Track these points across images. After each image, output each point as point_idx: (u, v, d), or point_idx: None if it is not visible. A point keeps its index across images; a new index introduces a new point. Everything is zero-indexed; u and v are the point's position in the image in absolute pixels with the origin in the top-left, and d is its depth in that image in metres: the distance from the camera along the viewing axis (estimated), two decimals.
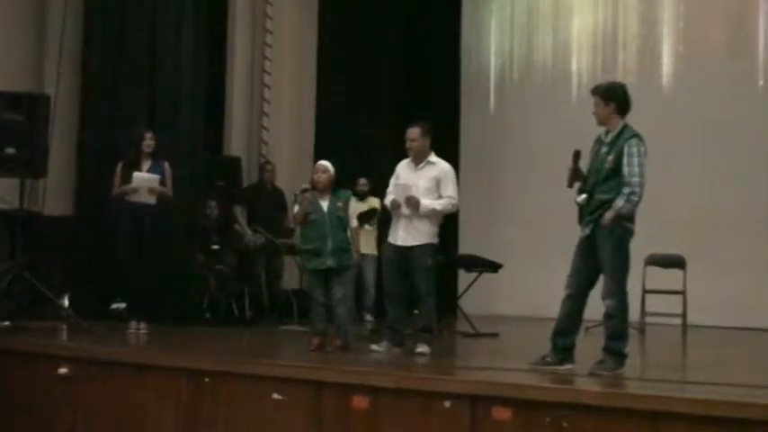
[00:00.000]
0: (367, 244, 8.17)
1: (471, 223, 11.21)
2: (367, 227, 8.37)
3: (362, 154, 10.17)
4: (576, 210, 5.51)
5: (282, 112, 10.98)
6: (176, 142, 8.73)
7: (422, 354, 6.31)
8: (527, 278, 10.49)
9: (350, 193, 6.84)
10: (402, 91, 11.68)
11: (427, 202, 6.33)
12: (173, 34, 8.97)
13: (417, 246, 6.37)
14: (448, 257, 8.97)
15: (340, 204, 6.58)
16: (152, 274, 7.95)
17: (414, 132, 6.44)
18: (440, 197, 6.39)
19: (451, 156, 11.15)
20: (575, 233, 5.65)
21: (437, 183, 6.41)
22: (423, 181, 6.40)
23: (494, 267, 8.85)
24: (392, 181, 6.62)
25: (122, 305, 8.52)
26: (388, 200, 6.57)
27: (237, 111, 10.79)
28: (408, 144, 6.47)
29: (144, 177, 7.71)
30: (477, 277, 8.81)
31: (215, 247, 9.40)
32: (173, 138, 8.67)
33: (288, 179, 10.08)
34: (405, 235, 6.42)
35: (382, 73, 11.42)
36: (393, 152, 8.06)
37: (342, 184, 6.78)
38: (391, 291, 6.49)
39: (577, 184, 5.42)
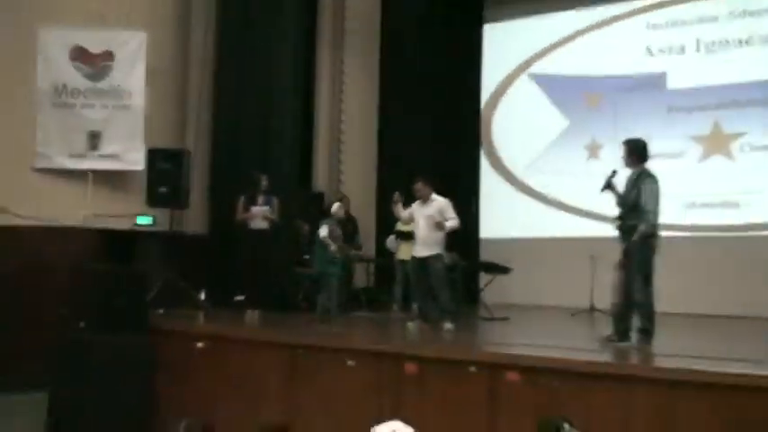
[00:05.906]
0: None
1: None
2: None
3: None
4: None
5: (353, 155, 13.94)
6: (281, 182, 11.25)
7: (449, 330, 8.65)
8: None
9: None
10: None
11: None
12: (281, 101, 11.90)
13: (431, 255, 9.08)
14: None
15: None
16: (263, 277, 10.41)
17: (418, 185, 9.24)
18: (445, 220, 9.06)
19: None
20: None
21: (440, 212, 9.14)
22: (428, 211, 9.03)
23: (504, 271, 11.90)
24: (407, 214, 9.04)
25: (242, 297, 10.63)
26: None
27: (323, 155, 13.77)
28: (416, 194, 9.26)
29: (259, 209, 10.40)
30: (492, 280, 11.94)
31: (306, 257, 11.61)
32: (279, 178, 11.21)
33: (356, 207, 12.79)
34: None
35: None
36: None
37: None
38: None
39: None
